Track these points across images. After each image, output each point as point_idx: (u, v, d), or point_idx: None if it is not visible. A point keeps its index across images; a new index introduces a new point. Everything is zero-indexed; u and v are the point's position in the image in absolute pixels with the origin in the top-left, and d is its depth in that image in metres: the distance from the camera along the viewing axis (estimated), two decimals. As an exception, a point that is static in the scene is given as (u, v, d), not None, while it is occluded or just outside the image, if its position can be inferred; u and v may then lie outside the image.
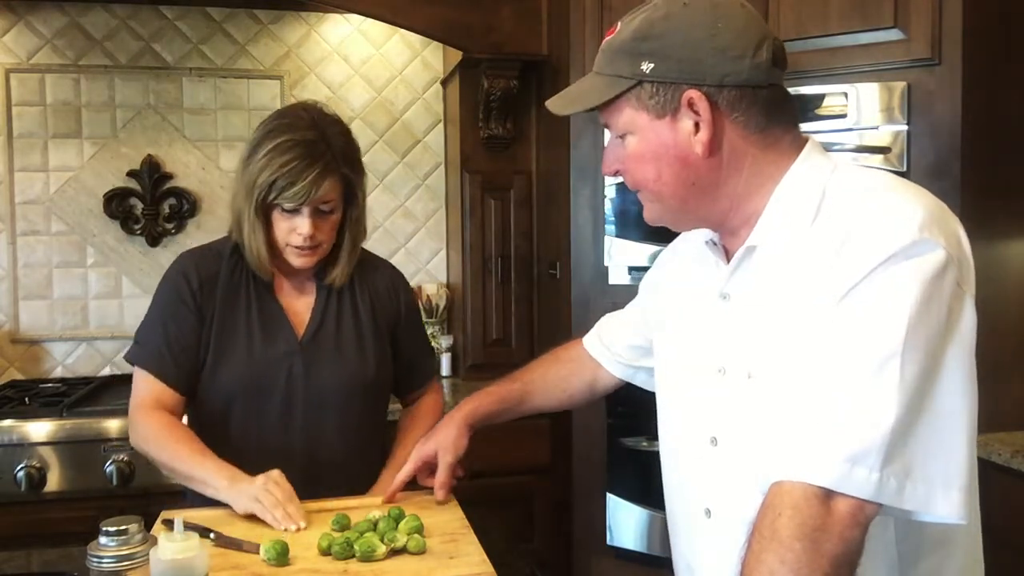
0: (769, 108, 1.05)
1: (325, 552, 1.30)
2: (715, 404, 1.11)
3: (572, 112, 1.13)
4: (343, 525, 1.39)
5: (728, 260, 1.11)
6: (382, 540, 1.30)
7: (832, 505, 0.87)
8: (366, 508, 1.46)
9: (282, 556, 1.26)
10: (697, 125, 1.03)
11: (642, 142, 1.06)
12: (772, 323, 1.02)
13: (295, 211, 1.56)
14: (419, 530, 1.34)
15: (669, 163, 1.05)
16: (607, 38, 1.09)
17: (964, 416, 0.91)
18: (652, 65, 1.02)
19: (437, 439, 1.54)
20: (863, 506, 0.87)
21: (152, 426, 1.57)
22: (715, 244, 1.15)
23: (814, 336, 0.94)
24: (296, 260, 1.61)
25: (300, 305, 1.69)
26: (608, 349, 1.50)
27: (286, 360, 1.63)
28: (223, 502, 1.46)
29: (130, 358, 1.64)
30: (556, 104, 1.14)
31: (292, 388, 1.62)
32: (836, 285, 0.93)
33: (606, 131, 1.14)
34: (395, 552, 1.30)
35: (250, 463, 1.49)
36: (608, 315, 1.53)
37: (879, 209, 0.96)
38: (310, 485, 1.52)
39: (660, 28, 1.03)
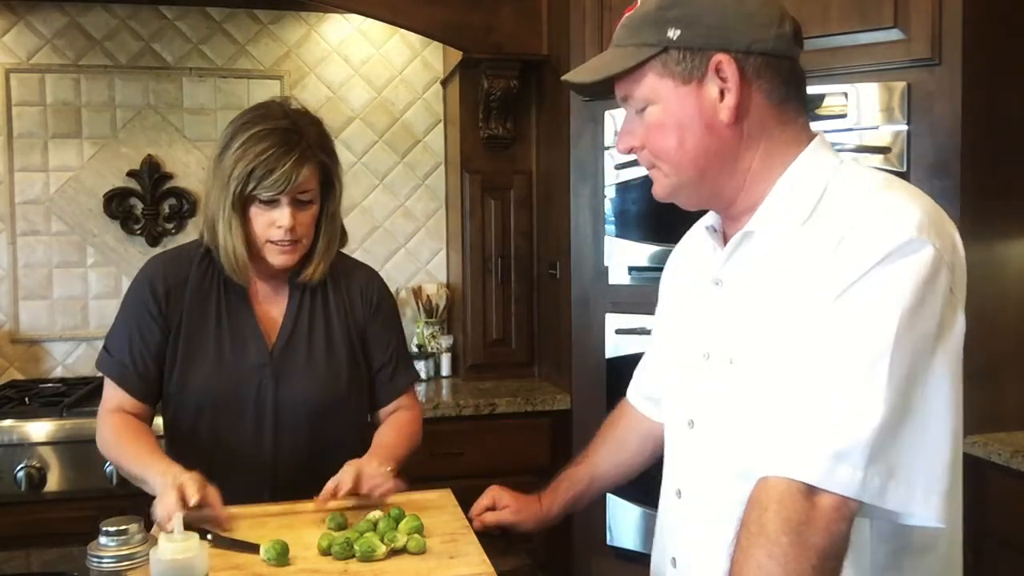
0: (789, 81, 1.06)
1: (325, 552, 1.29)
2: (696, 388, 1.12)
3: (595, 79, 1.10)
4: (339, 525, 1.38)
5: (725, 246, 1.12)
6: (382, 540, 1.30)
7: (816, 500, 0.88)
8: (366, 508, 1.46)
9: (282, 556, 1.26)
10: (722, 92, 1.03)
11: (666, 111, 1.06)
12: (760, 311, 1.03)
13: (273, 203, 1.53)
14: (419, 530, 1.34)
15: (693, 131, 1.05)
16: (627, 14, 1.09)
17: (948, 420, 0.92)
18: (679, 31, 1.03)
19: (520, 506, 1.48)
20: (847, 501, 0.88)
21: (108, 428, 1.57)
22: (715, 230, 1.16)
23: (807, 333, 0.95)
24: (276, 258, 1.57)
25: (273, 312, 1.65)
26: (651, 400, 1.43)
27: (256, 372, 1.60)
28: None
29: (98, 365, 1.63)
30: (578, 74, 1.13)
31: (263, 400, 1.59)
32: (831, 283, 0.94)
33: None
34: (395, 552, 1.30)
35: (222, 475, 1.45)
36: (640, 363, 1.48)
37: (877, 209, 0.96)
38: (285, 497, 1.51)
39: None
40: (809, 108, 2.18)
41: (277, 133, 1.52)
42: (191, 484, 1.34)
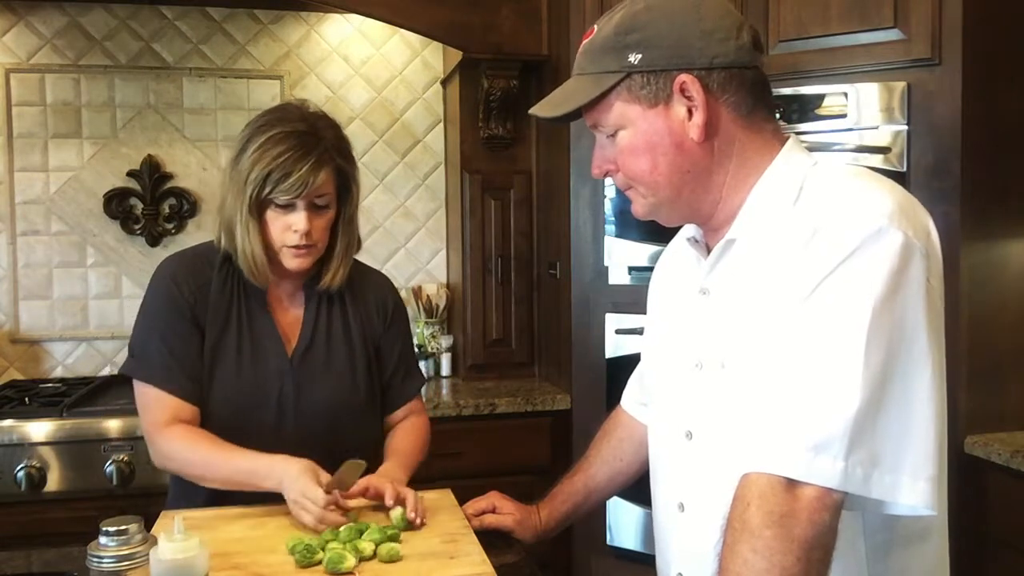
0: (754, 90, 1.07)
1: (291, 552, 1.28)
2: (691, 398, 1.12)
3: (561, 113, 1.11)
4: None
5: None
6: (346, 547, 1.27)
7: (798, 492, 0.89)
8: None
9: (308, 554, 1.26)
10: (690, 111, 1.04)
11: (636, 134, 1.07)
12: (746, 315, 1.03)
13: (290, 206, 1.51)
14: (392, 538, 1.32)
15: (664, 152, 1.06)
16: (585, 40, 1.10)
17: (931, 406, 0.92)
18: (640, 55, 1.04)
19: (522, 516, 1.49)
20: (829, 491, 0.89)
21: (174, 441, 1.51)
22: (697, 241, 1.17)
23: (784, 329, 0.95)
24: (292, 261, 1.55)
25: (291, 317, 1.64)
26: (646, 407, 1.41)
27: (276, 379, 1.59)
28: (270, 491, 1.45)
29: (130, 373, 1.56)
30: (543, 108, 1.13)
31: (283, 405, 1.58)
32: (805, 279, 0.95)
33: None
34: (364, 560, 1.26)
35: None
36: (635, 372, 1.48)
37: (848, 200, 0.97)
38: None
39: (644, 19, 1.04)
40: (809, 108, 2.20)
41: (294, 136, 1.50)
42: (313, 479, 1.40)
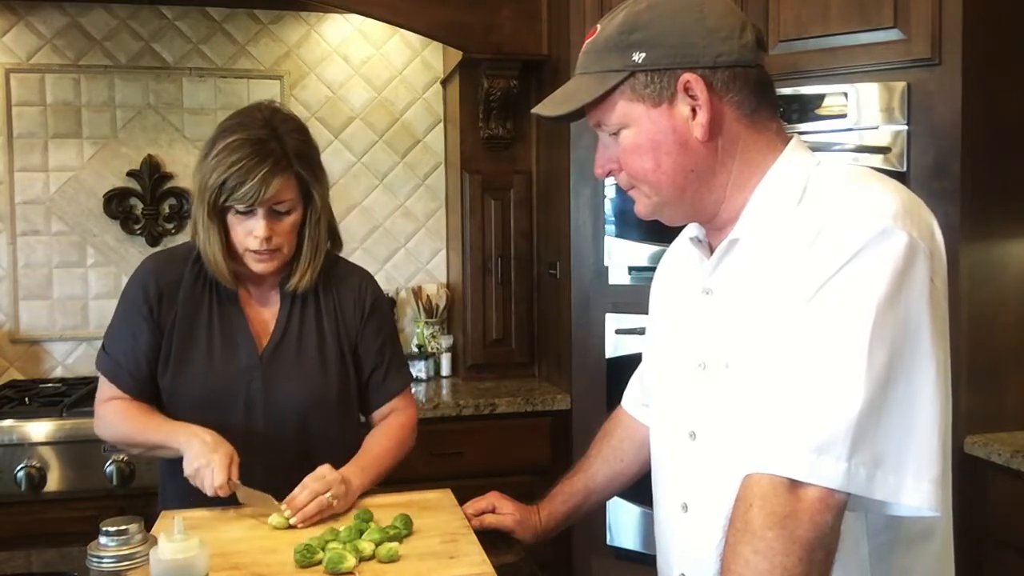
0: (758, 89, 1.06)
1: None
2: (695, 398, 1.12)
3: (564, 111, 1.11)
4: (365, 519, 1.39)
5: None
6: (346, 547, 1.27)
7: (800, 493, 0.88)
8: (389, 507, 1.45)
9: (308, 554, 1.26)
10: (694, 110, 1.04)
11: (640, 133, 1.06)
12: (749, 315, 1.03)
13: (249, 212, 1.52)
14: (394, 538, 1.33)
15: (668, 151, 1.05)
16: (587, 40, 1.10)
17: (935, 407, 0.91)
18: (644, 54, 1.04)
19: (522, 516, 1.49)
20: (832, 492, 0.88)
21: (110, 411, 1.60)
22: (700, 241, 1.16)
23: (786, 330, 0.95)
24: (255, 265, 1.57)
25: (264, 315, 1.65)
26: (647, 408, 1.39)
27: (245, 375, 1.60)
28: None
29: (96, 363, 1.66)
30: (546, 107, 1.13)
31: (252, 403, 1.59)
32: (808, 279, 0.94)
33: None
34: (364, 560, 1.27)
35: None
36: (636, 372, 1.48)
37: (852, 201, 0.97)
38: (277, 495, 1.49)
39: (647, 18, 1.04)
40: (809, 108, 2.20)
41: (250, 143, 1.50)
42: (229, 460, 1.45)
